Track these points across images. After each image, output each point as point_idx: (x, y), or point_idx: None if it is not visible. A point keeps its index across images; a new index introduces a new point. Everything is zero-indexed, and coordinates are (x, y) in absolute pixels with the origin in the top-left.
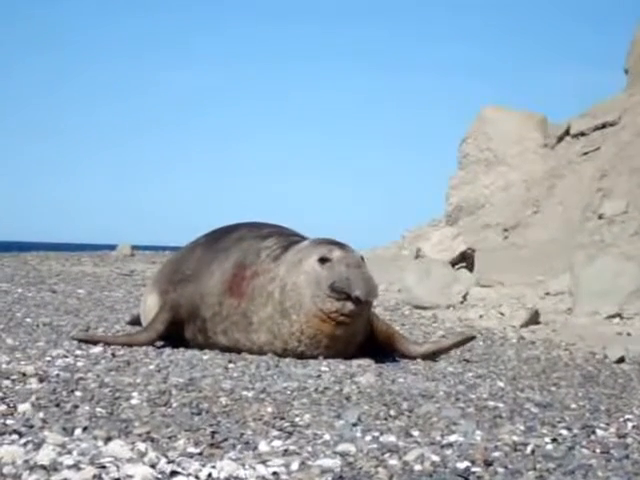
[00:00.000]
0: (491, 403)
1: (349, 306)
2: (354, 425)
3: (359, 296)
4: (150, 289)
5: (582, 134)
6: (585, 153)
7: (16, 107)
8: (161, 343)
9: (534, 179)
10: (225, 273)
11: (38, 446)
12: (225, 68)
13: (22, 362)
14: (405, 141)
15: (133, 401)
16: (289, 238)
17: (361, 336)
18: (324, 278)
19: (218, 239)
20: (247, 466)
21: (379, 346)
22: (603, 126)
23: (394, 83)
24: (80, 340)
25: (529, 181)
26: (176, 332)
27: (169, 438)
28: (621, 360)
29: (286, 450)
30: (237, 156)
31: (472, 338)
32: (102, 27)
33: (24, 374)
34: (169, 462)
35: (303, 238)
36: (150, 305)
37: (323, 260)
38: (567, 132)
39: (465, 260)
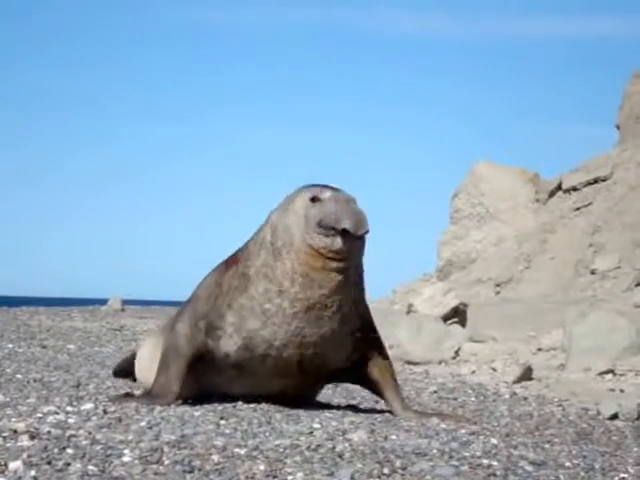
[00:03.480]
0: (485, 461)
1: (338, 242)
2: None
3: (346, 227)
4: (154, 341)
5: (574, 189)
6: (577, 208)
7: None
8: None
9: (526, 234)
10: (217, 268)
11: None
12: (213, 116)
13: (13, 419)
14: (396, 195)
15: (125, 459)
16: None
17: (355, 287)
18: (313, 216)
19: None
20: None
21: (366, 380)
22: (595, 181)
23: (383, 136)
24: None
25: (521, 236)
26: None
27: None
28: (614, 417)
29: None
30: (228, 208)
31: (468, 421)
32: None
33: (15, 431)
34: None
35: None
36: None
37: (314, 200)
38: (559, 187)
39: (457, 315)
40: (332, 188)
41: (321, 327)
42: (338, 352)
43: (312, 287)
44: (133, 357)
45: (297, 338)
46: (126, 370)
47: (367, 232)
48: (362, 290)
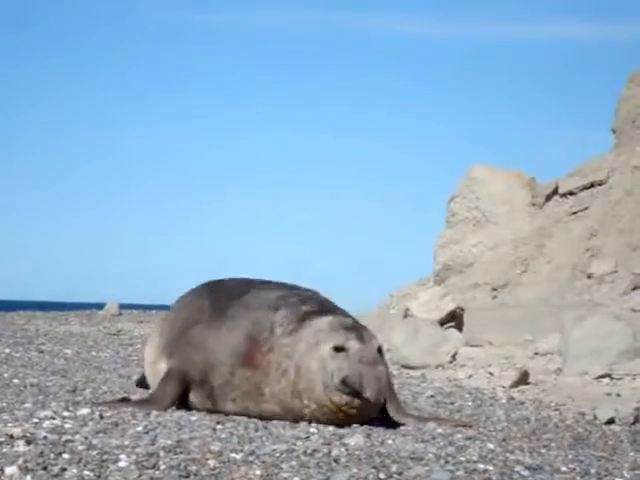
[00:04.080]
0: (481, 466)
1: (358, 402)
2: None
3: (369, 398)
4: (155, 351)
5: (570, 193)
6: (574, 212)
7: None
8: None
9: (522, 238)
10: (238, 346)
11: None
12: (218, 123)
13: (9, 424)
14: (392, 199)
15: (121, 464)
16: (300, 308)
17: (378, 410)
18: (337, 370)
19: (223, 305)
20: None
21: None
22: (592, 185)
23: (380, 140)
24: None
25: (517, 240)
26: (180, 397)
27: None
28: (611, 421)
29: None
30: (224, 214)
31: (464, 425)
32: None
33: (11, 436)
34: None
35: (311, 304)
36: (160, 369)
37: (338, 349)
38: (555, 191)
39: (454, 319)
40: (358, 333)
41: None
42: None
43: (333, 422)
44: None
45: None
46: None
47: (385, 401)
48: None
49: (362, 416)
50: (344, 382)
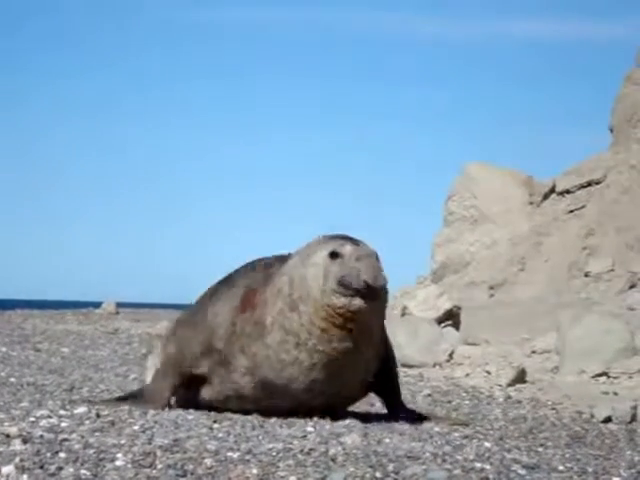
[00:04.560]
0: (478, 465)
1: (357, 302)
2: None
3: (367, 280)
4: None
5: (567, 192)
6: (571, 211)
7: None
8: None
9: (520, 237)
10: (234, 299)
11: None
12: (210, 120)
13: (6, 423)
14: (390, 198)
15: (117, 462)
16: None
17: (377, 337)
18: (332, 272)
19: (217, 287)
20: None
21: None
22: (588, 184)
23: (377, 137)
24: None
25: (515, 239)
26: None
27: None
28: (608, 420)
29: None
30: (222, 211)
31: (463, 424)
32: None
33: (8, 435)
34: None
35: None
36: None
37: (333, 255)
38: (552, 190)
39: (451, 318)
40: (352, 241)
41: (341, 376)
42: (357, 392)
43: (331, 341)
44: None
45: (315, 387)
46: None
47: (385, 285)
48: (383, 330)
49: (363, 322)
50: (341, 283)
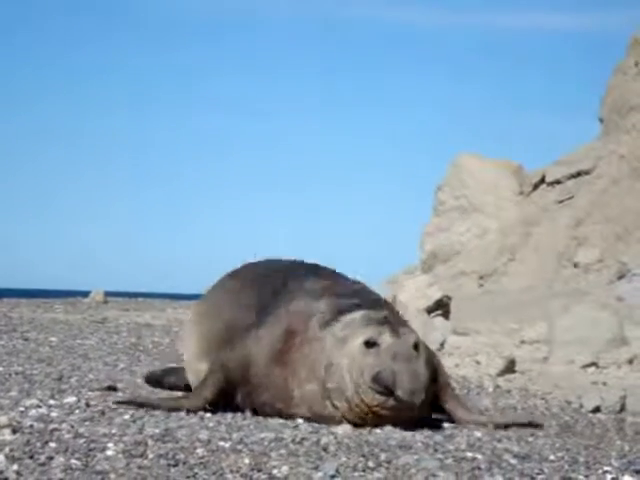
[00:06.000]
0: (469, 454)
1: (392, 402)
2: (332, 477)
3: (401, 397)
4: (195, 350)
5: (557, 182)
6: (560, 201)
7: None
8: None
9: (509, 227)
10: (275, 342)
11: None
12: (222, 117)
13: None
14: (380, 188)
15: (108, 452)
16: (341, 300)
17: (416, 412)
18: (368, 366)
19: (267, 301)
20: None
21: None
22: (578, 174)
23: (367, 129)
24: (123, 403)
25: (504, 229)
26: (224, 397)
27: None
28: (597, 410)
29: None
30: (212, 203)
31: (537, 426)
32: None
33: None
34: None
35: (355, 297)
36: (201, 369)
37: (369, 344)
38: (542, 180)
39: (441, 308)
40: (392, 327)
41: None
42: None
43: (367, 423)
44: (171, 371)
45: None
46: (157, 380)
47: (421, 400)
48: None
49: (397, 418)
50: (376, 380)
